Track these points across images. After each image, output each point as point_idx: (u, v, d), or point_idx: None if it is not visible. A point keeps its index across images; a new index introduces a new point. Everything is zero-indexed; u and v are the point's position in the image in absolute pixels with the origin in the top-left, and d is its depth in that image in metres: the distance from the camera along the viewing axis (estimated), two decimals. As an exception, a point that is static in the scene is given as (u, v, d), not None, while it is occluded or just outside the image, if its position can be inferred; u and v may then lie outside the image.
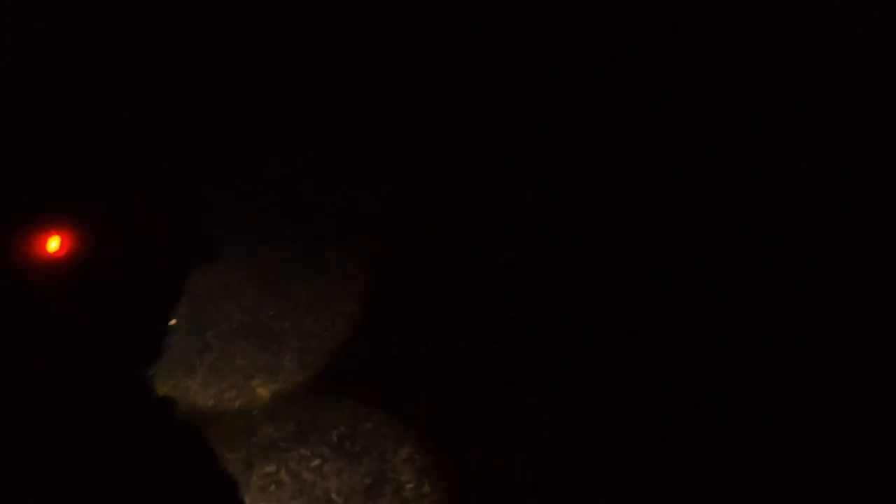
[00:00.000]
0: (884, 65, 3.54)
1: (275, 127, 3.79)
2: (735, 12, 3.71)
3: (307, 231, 3.50)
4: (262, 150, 3.76)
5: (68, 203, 1.51)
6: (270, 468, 2.68)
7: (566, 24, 3.85)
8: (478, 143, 3.71)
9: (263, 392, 2.91)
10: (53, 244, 1.47)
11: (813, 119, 3.52)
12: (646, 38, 3.77)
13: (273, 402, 2.88)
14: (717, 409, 2.77)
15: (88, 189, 1.54)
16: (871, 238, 3.19)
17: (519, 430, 2.74)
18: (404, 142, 3.75)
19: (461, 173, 3.63)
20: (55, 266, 1.47)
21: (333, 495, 2.61)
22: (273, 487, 2.64)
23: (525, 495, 2.58)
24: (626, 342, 2.98)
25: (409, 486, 2.62)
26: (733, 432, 2.70)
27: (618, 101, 3.70)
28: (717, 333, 2.99)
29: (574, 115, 3.69)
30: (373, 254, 3.38)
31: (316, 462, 2.70)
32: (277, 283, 3.29)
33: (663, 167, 3.54)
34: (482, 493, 2.58)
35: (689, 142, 3.58)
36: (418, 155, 3.71)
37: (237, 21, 3.77)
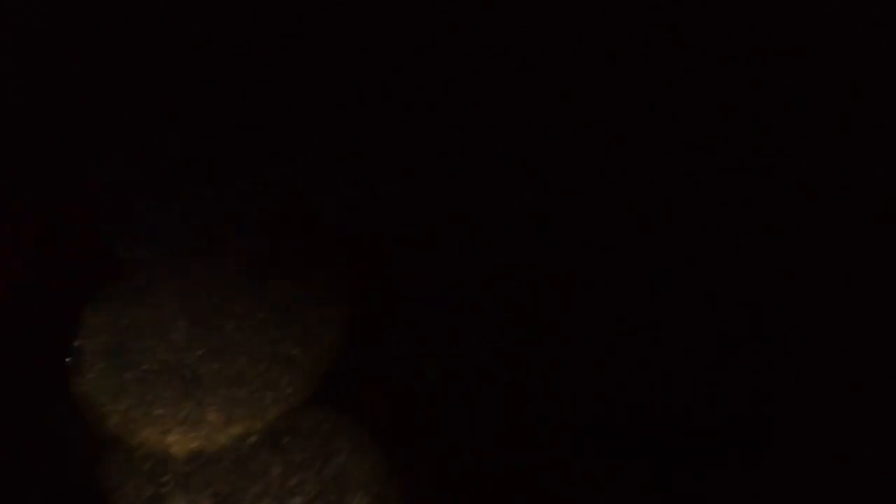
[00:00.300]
0: (884, 65, 3.53)
1: (275, 127, 3.78)
2: (735, 12, 3.71)
3: (251, 255, 3.25)
4: (262, 150, 3.75)
5: None
6: (178, 556, 2.28)
7: (566, 24, 3.84)
8: (478, 143, 3.70)
9: (179, 451, 2.54)
10: None
11: (813, 119, 3.52)
12: (646, 38, 3.76)
13: (189, 466, 2.48)
14: (717, 409, 2.77)
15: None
16: (871, 238, 3.19)
17: (519, 430, 2.74)
18: (404, 142, 3.75)
19: (461, 173, 3.63)
20: None
21: None
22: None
23: (525, 495, 2.57)
24: (626, 342, 2.98)
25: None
26: (733, 432, 2.70)
27: (618, 101, 3.70)
28: (717, 333, 2.99)
29: (574, 115, 3.69)
30: (371, 255, 3.38)
31: (234, 552, 2.30)
32: (211, 317, 2.95)
33: (663, 167, 3.53)
34: (482, 493, 2.57)
35: (689, 142, 3.58)
36: (418, 155, 3.70)
37: (237, 21, 3.77)
